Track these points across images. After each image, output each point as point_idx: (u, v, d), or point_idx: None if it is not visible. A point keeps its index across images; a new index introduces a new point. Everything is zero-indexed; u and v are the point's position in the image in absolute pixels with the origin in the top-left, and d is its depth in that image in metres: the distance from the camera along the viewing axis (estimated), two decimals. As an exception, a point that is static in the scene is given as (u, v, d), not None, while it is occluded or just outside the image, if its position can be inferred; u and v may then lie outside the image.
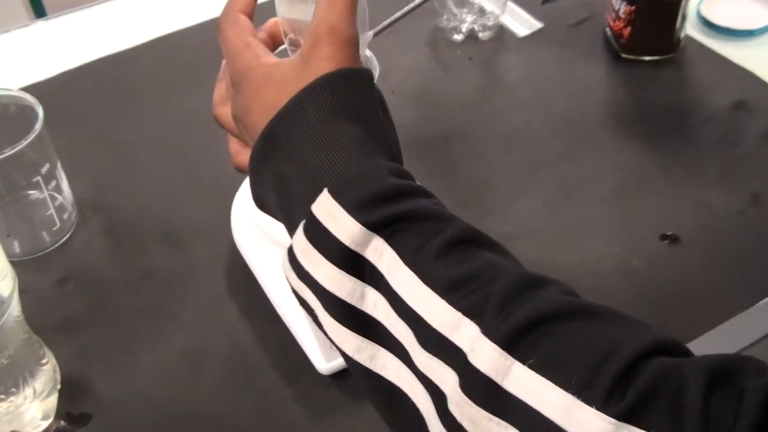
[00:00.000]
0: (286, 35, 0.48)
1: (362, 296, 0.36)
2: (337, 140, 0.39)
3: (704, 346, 0.59)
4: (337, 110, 0.39)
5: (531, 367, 0.31)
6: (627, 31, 0.82)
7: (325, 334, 0.38)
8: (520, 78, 0.84)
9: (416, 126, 0.78)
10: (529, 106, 0.80)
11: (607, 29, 0.86)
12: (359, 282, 0.36)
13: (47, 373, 0.56)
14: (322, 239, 0.36)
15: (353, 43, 0.42)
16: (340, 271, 0.36)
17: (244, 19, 0.45)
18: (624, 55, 0.84)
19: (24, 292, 0.53)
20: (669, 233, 0.67)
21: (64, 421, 0.56)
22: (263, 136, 0.40)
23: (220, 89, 0.49)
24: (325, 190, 0.37)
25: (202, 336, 0.61)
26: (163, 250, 0.68)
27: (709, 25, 0.87)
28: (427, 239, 0.36)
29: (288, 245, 0.39)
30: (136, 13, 0.94)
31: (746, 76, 0.82)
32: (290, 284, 0.39)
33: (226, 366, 0.59)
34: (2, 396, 0.53)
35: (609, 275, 0.64)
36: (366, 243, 0.36)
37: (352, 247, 0.36)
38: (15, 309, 0.51)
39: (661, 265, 0.65)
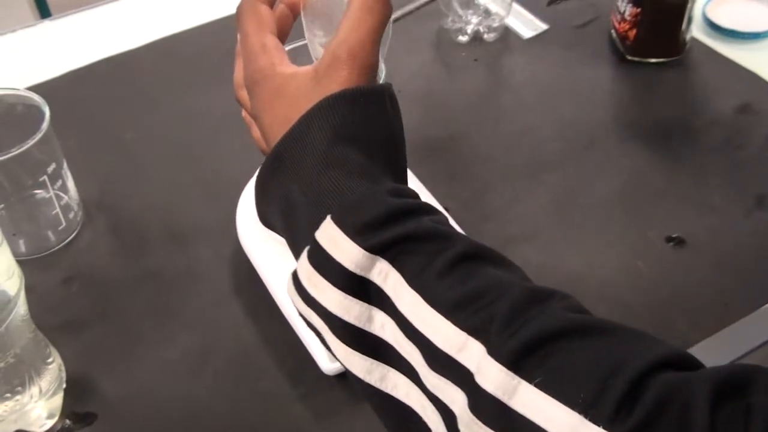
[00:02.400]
0: (304, 7, 0.46)
1: (370, 318, 0.36)
2: (340, 165, 0.39)
3: (710, 349, 0.59)
4: (340, 133, 0.39)
5: (537, 386, 0.31)
6: (632, 33, 0.82)
7: (334, 356, 0.38)
8: (525, 79, 0.84)
9: (421, 127, 0.78)
10: (533, 107, 0.80)
11: (613, 31, 0.86)
12: (366, 305, 0.36)
13: (53, 372, 0.56)
14: (327, 266, 0.36)
15: (371, 70, 0.41)
16: (346, 295, 0.36)
17: (264, 10, 0.44)
18: (629, 57, 0.84)
19: (29, 291, 0.53)
20: (674, 235, 0.67)
21: (70, 420, 0.56)
22: (269, 158, 0.40)
23: (241, 69, 0.47)
24: (328, 217, 0.37)
25: (206, 336, 0.61)
26: (168, 249, 0.68)
27: (714, 28, 0.87)
28: (430, 259, 0.36)
29: (292, 265, 0.39)
30: (141, 13, 0.95)
31: (752, 78, 0.81)
32: (297, 309, 0.39)
33: (231, 366, 0.60)
34: (8, 395, 0.53)
35: (614, 277, 0.64)
36: (370, 267, 0.36)
37: (357, 272, 0.36)
38: (21, 308, 0.52)
39: (667, 267, 0.65)
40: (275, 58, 0.43)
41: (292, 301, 0.39)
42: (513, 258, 0.38)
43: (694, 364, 0.32)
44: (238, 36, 0.47)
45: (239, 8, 0.44)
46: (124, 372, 0.59)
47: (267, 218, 0.43)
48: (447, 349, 0.34)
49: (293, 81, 0.41)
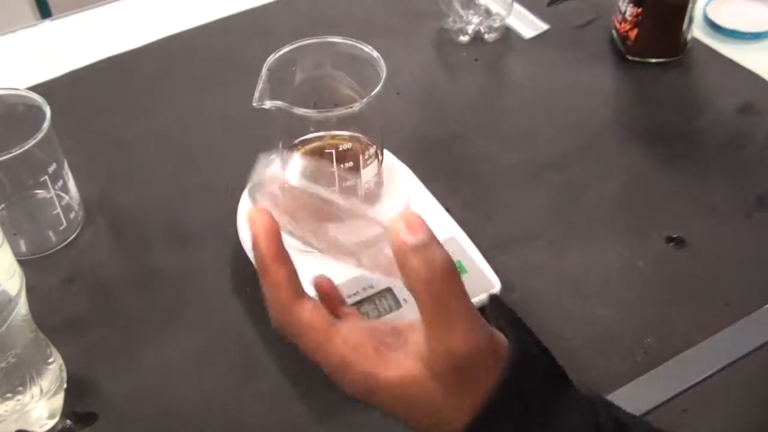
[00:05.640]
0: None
1: None
2: None
3: (710, 349, 0.59)
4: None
5: None
6: (633, 34, 0.82)
7: None
8: (525, 79, 0.84)
9: (422, 127, 0.78)
10: (534, 107, 0.80)
11: (614, 31, 0.86)
12: None
13: (54, 371, 0.56)
14: None
15: (491, 357, 0.36)
16: None
17: (318, 316, 0.37)
18: (630, 58, 0.84)
19: (30, 291, 0.53)
20: (675, 235, 0.67)
21: (70, 420, 0.56)
22: None
23: (275, 302, 0.38)
24: None
25: (207, 335, 0.61)
26: (169, 249, 0.68)
27: (715, 28, 0.87)
28: None
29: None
30: (141, 13, 0.95)
31: (753, 78, 0.81)
32: None
33: (232, 365, 0.60)
34: (9, 395, 0.53)
35: (615, 277, 0.64)
36: None
37: None
38: (23, 308, 0.52)
39: (667, 267, 0.65)
40: (368, 365, 0.37)
41: None
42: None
43: None
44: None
45: (276, 321, 0.38)
46: (125, 371, 0.59)
47: None
48: None
49: (411, 390, 0.37)
